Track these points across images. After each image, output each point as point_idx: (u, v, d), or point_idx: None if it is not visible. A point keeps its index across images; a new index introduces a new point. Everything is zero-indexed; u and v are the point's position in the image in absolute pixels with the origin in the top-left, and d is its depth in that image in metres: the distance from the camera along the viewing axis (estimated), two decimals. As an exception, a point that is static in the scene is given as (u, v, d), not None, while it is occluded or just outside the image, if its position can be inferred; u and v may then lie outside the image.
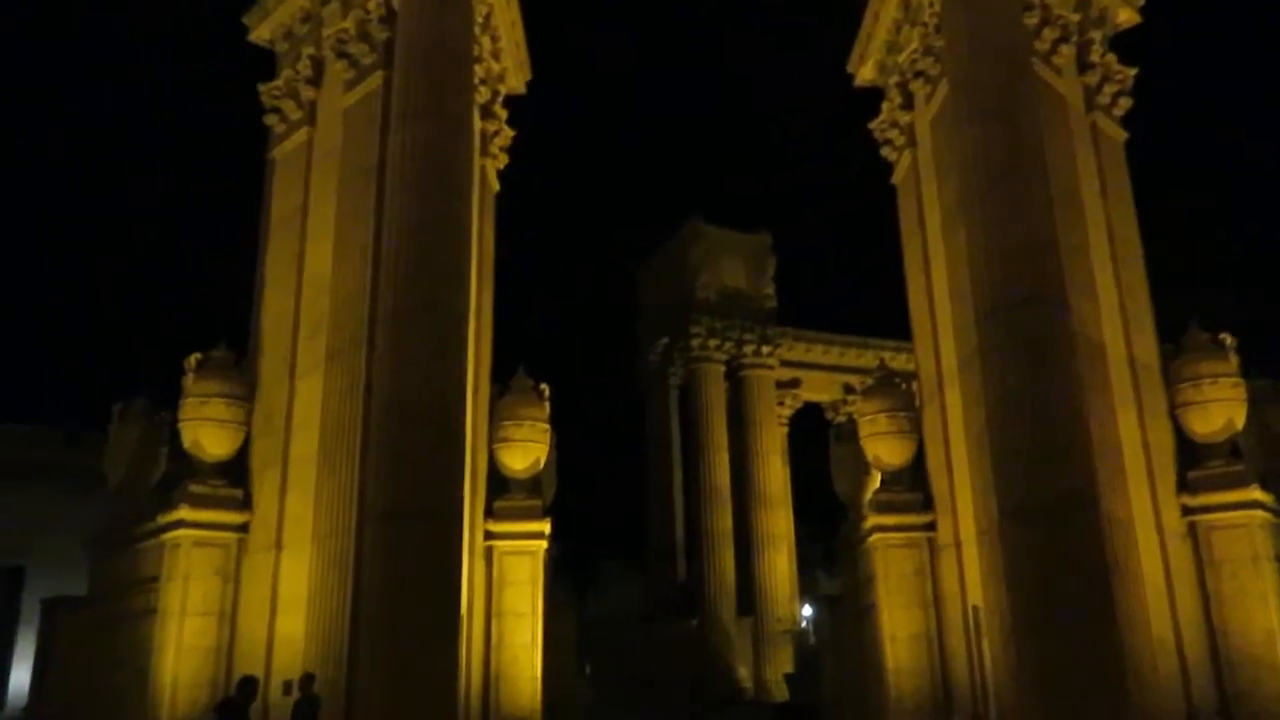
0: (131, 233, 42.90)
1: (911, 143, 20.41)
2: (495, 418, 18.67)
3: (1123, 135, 19.41)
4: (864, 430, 19.90)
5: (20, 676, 26.80)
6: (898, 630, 18.32)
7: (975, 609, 17.02)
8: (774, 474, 33.83)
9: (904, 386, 20.61)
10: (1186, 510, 16.78)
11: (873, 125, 21.47)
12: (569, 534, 21.37)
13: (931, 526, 18.77)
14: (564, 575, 26.50)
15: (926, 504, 18.94)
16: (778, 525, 33.16)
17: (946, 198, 18.27)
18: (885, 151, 21.42)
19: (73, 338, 40.45)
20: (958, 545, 17.90)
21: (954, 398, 18.03)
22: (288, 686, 11.23)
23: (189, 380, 16.99)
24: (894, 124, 20.96)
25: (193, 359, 17.09)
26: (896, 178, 21.18)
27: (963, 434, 17.45)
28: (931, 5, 18.19)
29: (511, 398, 18.92)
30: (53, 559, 26.45)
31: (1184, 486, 16.91)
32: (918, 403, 19.98)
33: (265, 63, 20.07)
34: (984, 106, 16.01)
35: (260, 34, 19.76)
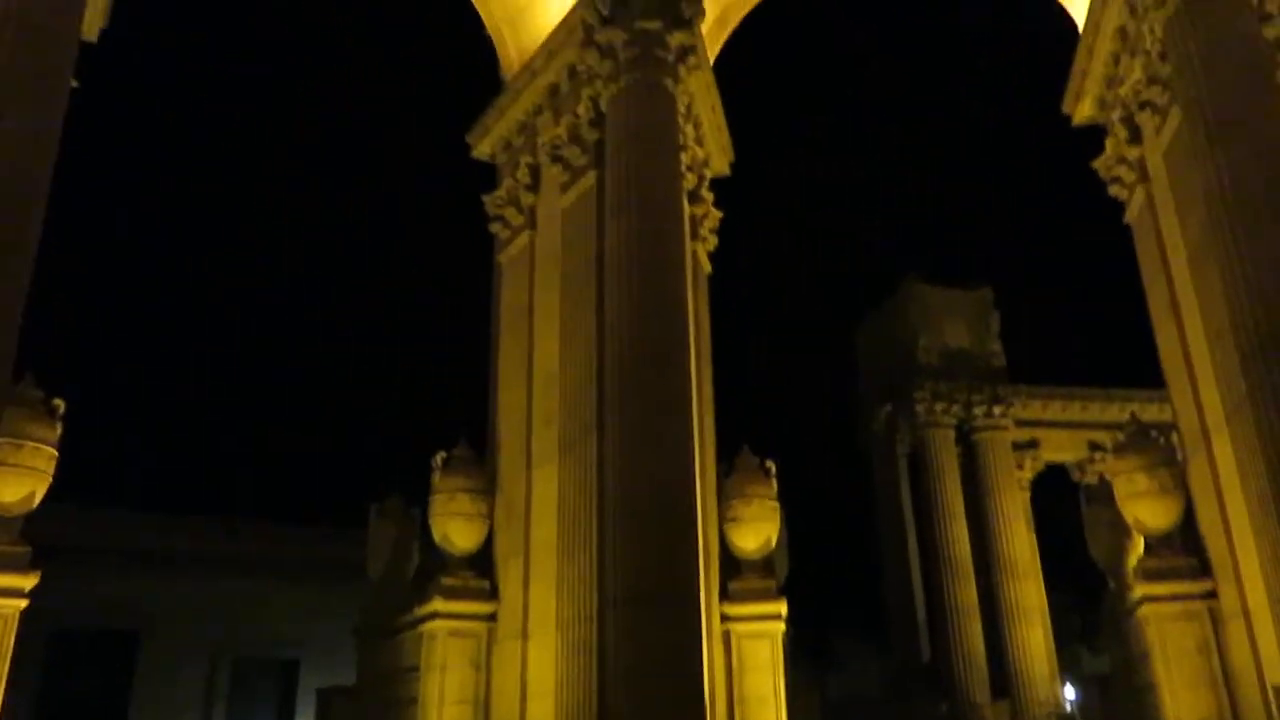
0: (377, 346, 46.76)
1: (1144, 178, 19.11)
2: (723, 497, 18.67)
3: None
4: (1120, 490, 18.37)
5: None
6: (1183, 713, 16.46)
7: (1276, 689, 15.06)
8: (1019, 541, 31.69)
9: (1161, 440, 18.98)
10: None
11: (1097, 164, 20.30)
12: (803, 611, 20.81)
13: (1212, 594, 16.90)
14: (802, 654, 25.77)
15: (1203, 569, 17.10)
16: (1028, 597, 30.90)
17: (1191, 232, 16.92)
18: (1114, 190, 20.16)
19: (330, 442, 44.20)
20: (1246, 615, 15.99)
21: (1224, 448, 16.33)
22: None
23: (436, 477, 18.09)
24: (1121, 160, 19.74)
25: (439, 457, 18.23)
26: (1130, 216, 19.84)
27: (1239, 488, 15.73)
28: (1153, 31, 17.14)
29: (738, 476, 18.89)
30: (324, 650, 28.57)
31: None
32: (1180, 456, 18.27)
33: (484, 176, 21.56)
34: (1225, 131, 14.81)
35: (481, 150, 21.28)
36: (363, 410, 45.04)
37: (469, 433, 19.07)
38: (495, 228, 20.79)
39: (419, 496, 18.88)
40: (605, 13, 17.68)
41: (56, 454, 14.39)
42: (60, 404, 14.58)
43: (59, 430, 14.50)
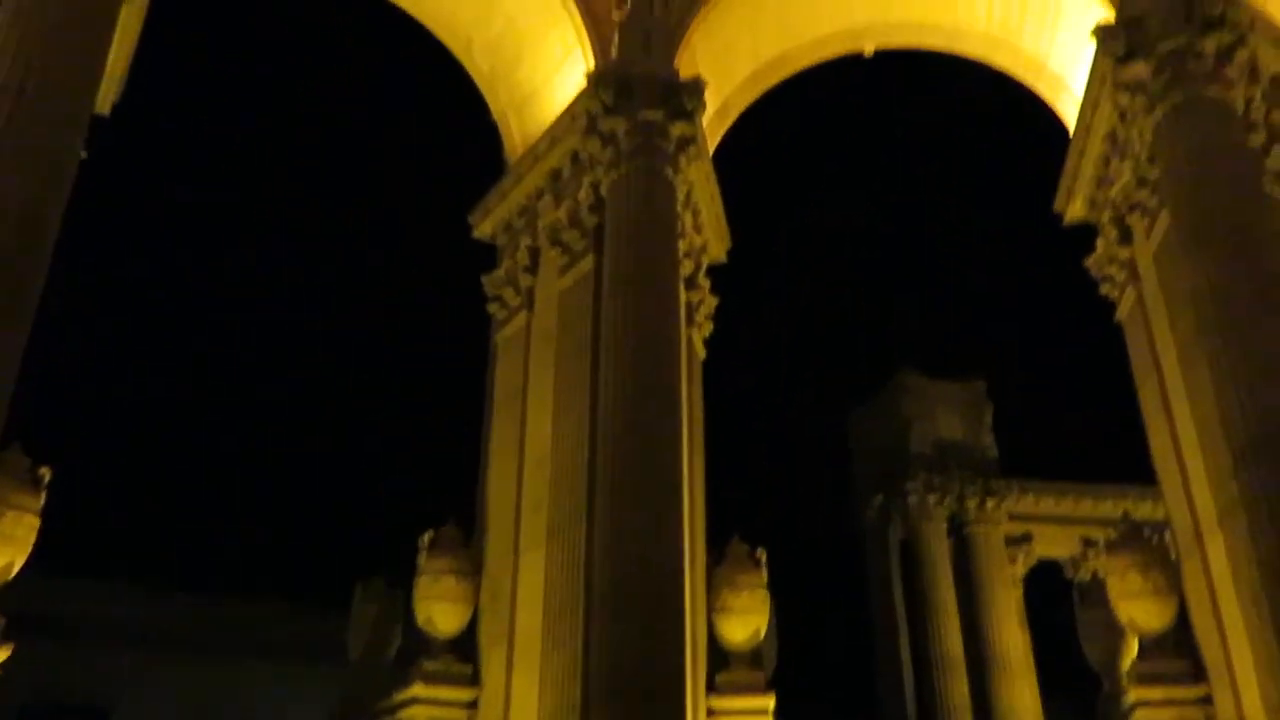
0: (367, 421, 46.42)
1: (1134, 278, 19.36)
2: (712, 586, 18.37)
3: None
4: (1113, 590, 18.17)
5: None
6: (1180, 824, 16.06)
7: (1276, 800, 14.67)
8: (1011, 639, 31.17)
9: (1154, 538, 18.85)
10: None
11: (1088, 263, 20.60)
12: (791, 705, 20.32)
13: (1207, 700, 16.56)
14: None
15: (1198, 674, 16.80)
16: (1021, 697, 30.27)
17: (1181, 333, 17.09)
18: (1105, 289, 20.42)
19: (314, 517, 43.62)
20: (1243, 722, 15.67)
21: (1217, 551, 16.20)
22: None
23: (422, 558, 17.84)
24: (1111, 259, 20.03)
25: (426, 537, 18.02)
26: (1121, 315, 20.05)
27: (1233, 591, 15.56)
28: (1142, 135, 17.59)
29: (728, 565, 18.61)
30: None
31: None
32: (1174, 556, 18.12)
33: (483, 257, 21.76)
34: (1213, 234, 15.16)
35: (483, 230, 21.54)
36: (349, 486, 44.55)
37: (457, 513, 18.89)
38: (493, 308, 20.92)
39: (404, 577, 18.59)
40: (609, 102, 18.15)
41: (38, 523, 14.17)
42: (46, 472, 14.41)
43: (42, 499, 14.31)
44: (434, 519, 18.55)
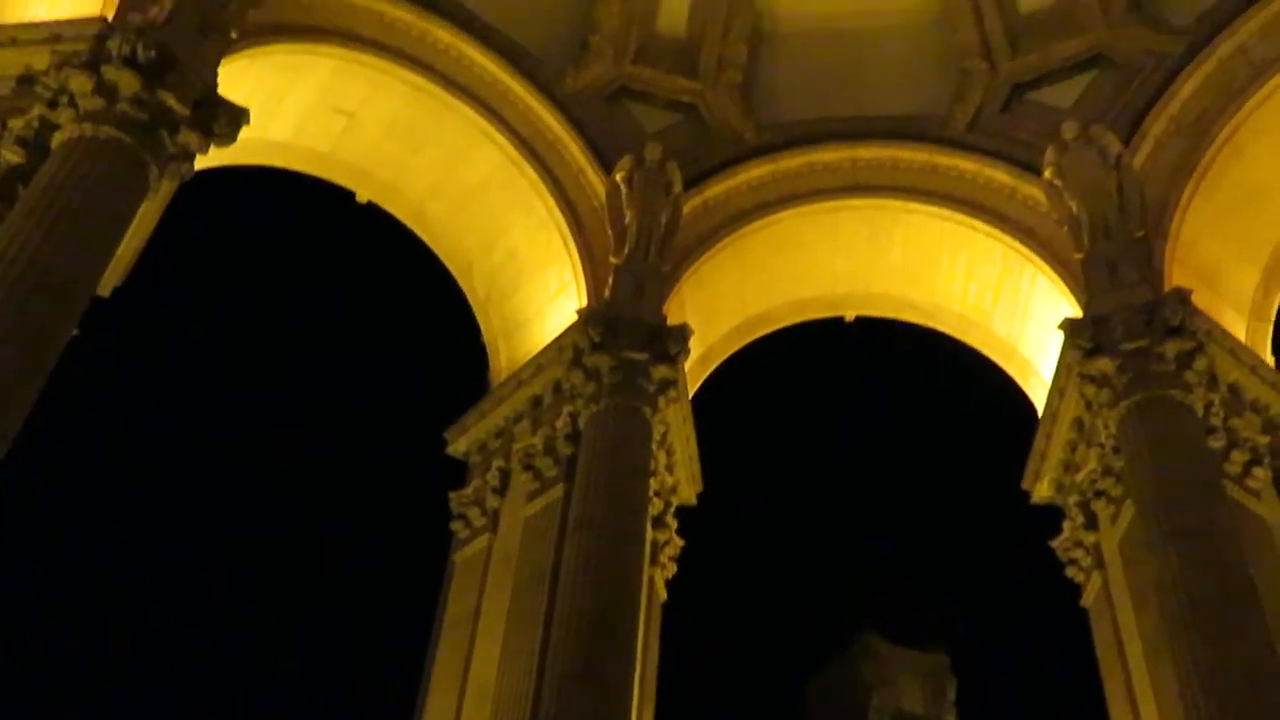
0: (304, 632, 44.16)
1: (1100, 564, 19.35)
2: None
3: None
4: None
5: None
6: None
7: None
8: None
9: None
10: None
11: (1054, 544, 20.59)
12: None
13: None
14: None
15: None
16: None
17: (1146, 625, 16.89)
18: (1071, 571, 20.32)
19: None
20: None
21: None
22: None
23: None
24: (1077, 544, 20.07)
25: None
26: (1087, 600, 19.87)
27: None
28: (1107, 426, 18.13)
29: (669, 830, 17.42)
30: None
31: None
32: None
33: (450, 474, 21.62)
34: (1176, 532, 15.35)
35: (457, 448, 21.53)
36: (275, 706, 41.59)
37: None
38: (456, 525, 20.57)
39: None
40: (597, 339, 18.83)
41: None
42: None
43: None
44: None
